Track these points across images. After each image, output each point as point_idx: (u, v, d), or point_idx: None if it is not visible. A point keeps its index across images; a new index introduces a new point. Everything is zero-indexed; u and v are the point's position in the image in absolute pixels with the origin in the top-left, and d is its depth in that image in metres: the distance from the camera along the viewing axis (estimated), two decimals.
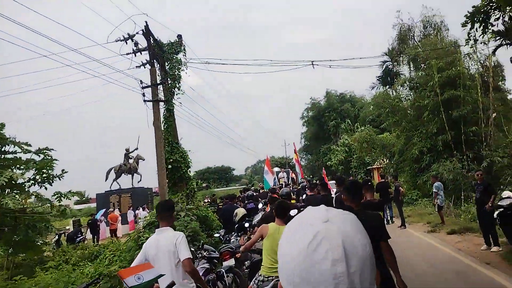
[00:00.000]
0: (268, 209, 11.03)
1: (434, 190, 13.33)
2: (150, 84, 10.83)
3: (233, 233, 9.79)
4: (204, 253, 6.89)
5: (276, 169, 31.43)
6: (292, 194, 14.69)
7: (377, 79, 43.81)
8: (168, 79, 12.20)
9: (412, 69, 27.43)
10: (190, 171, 13.14)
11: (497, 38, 31.55)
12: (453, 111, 18.82)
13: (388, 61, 42.77)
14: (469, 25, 8.35)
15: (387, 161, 23.65)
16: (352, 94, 52.13)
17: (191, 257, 4.03)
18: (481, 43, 22.53)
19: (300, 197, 13.66)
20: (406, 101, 23.58)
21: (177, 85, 12.27)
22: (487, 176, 17.77)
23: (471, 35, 8.39)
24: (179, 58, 12.48)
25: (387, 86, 31.26)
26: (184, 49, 12.73)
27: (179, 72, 12.40)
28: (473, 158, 18.30)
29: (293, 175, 29.29)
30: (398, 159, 21.08)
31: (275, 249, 4.51)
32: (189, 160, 13.17)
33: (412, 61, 26.49)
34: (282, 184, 25.35)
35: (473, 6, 8.18)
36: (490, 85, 19.58)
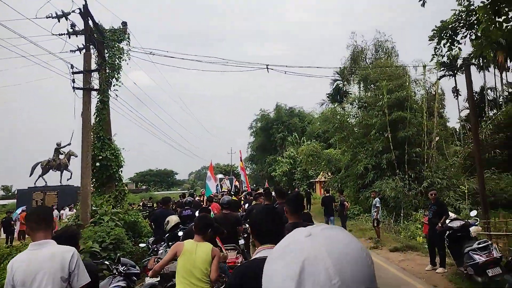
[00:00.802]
0: None
1: (377, 204, 13.12)
2: (83, 69, 9.48)
3: (162, 243, 8.66)
4: (121, 268, 5.75)
5: (219, 175, 30.46)
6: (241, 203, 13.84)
7: (327, 96, 44.88)
8: (106, 67, 10.84)
9: (361, 89, 27.90)
10: (121, 171, 11.78)
11: (441, 69, 33.07)
12: (399, 131, 19.11)
13: (338, 80, 43.97)
14: (435, 40, 8.03)
15: (332, 175, 23.58)
16: (301, 109, 53.11)
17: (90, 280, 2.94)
18: (428, 71, 23.68)
19: (242, 207, 12.85)
20: (354, 118, 23.78)
21: (116, 75, 10.94)
22: (427, 196, 18.30)
23: (437, 50, 8.07)
24: (121, 47, 11.17)
25: (336, 104, 31.75)
26: (128, 38, 11.48)
27: (120, 61, 11.10)
28: (414, 178, 18.59)
29: (237, 183, 28.44)
30: (344, 174, 21.01)
31: (191, 269, 3.99)
32: (121, 159, 11.82)
33: (362, 81, 26.91)
34: (224, 191, 24.40)
35: (442, 21, 7.91)
36: (435, 111, 20.21)
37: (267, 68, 11.09)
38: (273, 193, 10.61)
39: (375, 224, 13.06)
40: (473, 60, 34.41)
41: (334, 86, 44.16)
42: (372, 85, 24.29)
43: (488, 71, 35.99)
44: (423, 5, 7.10)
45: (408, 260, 9.69)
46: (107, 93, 10.82)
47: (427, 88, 22.17)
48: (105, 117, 10.76)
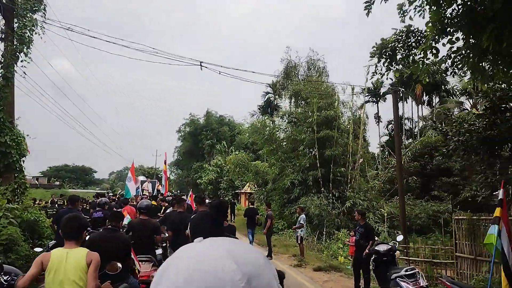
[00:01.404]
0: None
1: (300, 221, 12.82)
2: None
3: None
4: (2, 279, 4.60)
5: (141, 177, 28.59)
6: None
7: (258, 108, 45.11)
8: (14, 39, 9.21)
9: (292, 104, 28.19)
10: (23, 161, 10.09)
11: (366, 94, 34.58)
12: (326, 149, 19.37)
13: (270, 93, 44.45)
14: (375, 58, 7.90)
15: (258, 187, 23.26)
16: (231, 118, 52.86)
17: None
18: (355, 94, 24.61)
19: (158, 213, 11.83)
20: (284, 132, 23.84)
21: (24, 49, 9.33)
22: (349, 215, 18.72)
23: (377, 68, 7.95)
24: (34, 18, 9.61)
25: (267, 116, 31.88)
26: (44, 9, 9.94)
27: (31, 34, 9.52)
28: (338, 197, 18.88)
29: (160, 187, 26.88)
30: (271, 187, 20.77)
31: (63, 283, 3.27)
32: (24, 147, 10.13)
33: (294, 96, 27.18)
34: (145, 195, 22.85)
35: (382, 39, 7.82)
36: (360, 133, 20.92)
37: (201, 65, 10.31)
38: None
39: (299, 241, 12.76)
40: (400, 85, 37.19)
41: (265, 99, 44.56)
42: (303, 102, 24.65)
43: (406, 102, 38.78)
44: (367, 14, 6.88)
45: (332, 281, 9.41)
46: (12, 69, 9.18)
47: (353, 111, 23.02)
48: (8, 96, 9.09)
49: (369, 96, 37.43)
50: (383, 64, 7.92)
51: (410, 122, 39.74)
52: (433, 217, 19.64)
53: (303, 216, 12.92)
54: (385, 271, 7.38)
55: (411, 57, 7.74)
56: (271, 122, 25.17)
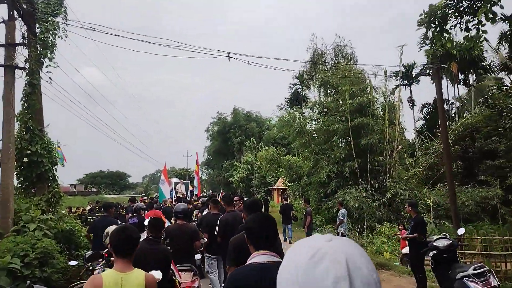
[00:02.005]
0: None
1: (340, 217, 12.13)
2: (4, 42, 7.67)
3: (100, 259, 7.05)
4: None
5: (174, 179, 28.61)
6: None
7: (286, 101, 44.35)
8: (37, 44, 8.99)
9: (321, 93, 27.33)
10: (56, 169, 9.93)
11: (397, 78, 33.18)
12: (362, 138, 18.47)
13: (297, 85, 43.57)
14: (424, 26, 7.10)
15: (292, 182, 22.62)
16: (258, 115, 52.53)
17: None
18: (386, 78, 23.48)
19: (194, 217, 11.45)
20: (315, 124, 23.05)
21: (48, 54, 9.10)
22: (390, 207, 17.81)
23: (429, 36, 7.14)
24: (55, 21, 9.38)
25: (295, 108, 31.14)
26: (66, 12, 9.69)
27: (54, 38, 9.29)
28: (377, 188, 17.98)
29: (191, 188, 26.74)
30: (306, 181, 20.08)
31: None
32: (55, 154, 9.96)
33: (323, 85, 26.32)
34: (179, 196, 22.72)
35: (430, 5, 7.00)
36: (397, 118, 19.87)
37: (228, 56, 9.77)
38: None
39: None
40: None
41: (293, 91, 43.76)
42: (333, 90, 23.78)
43: (441, 82, 36.85)
44: None
45: (384, 282, 8.68)
46: (38, 75, 8.99)
47: (387, 95, 21.93)
48: (35, 103, 8.90)
49: (401, 79, 35.84)
50: (433, 33, 7.09)
51: (447, 104, 37.79)
52: (481, 204, 18.39)
53: (343, 211, 12.24)
54: (446, 269, 6.65)
55: (463, 24, 6.87)
56: (300, 115, 24.44)
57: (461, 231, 7.26)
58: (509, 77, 31.55)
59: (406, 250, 12.01)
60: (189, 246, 6.15)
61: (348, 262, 0.77)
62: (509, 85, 30.49)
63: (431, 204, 15.78)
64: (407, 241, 8.30)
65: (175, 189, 24.38)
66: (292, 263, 0.83)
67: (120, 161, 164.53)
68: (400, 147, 18.90)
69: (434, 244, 6.91)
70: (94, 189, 72.08)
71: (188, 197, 21.93)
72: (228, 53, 9.84)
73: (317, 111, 23.91)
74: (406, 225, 13.34)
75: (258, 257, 2.28)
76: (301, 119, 23.17)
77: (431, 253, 6.96)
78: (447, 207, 17.92)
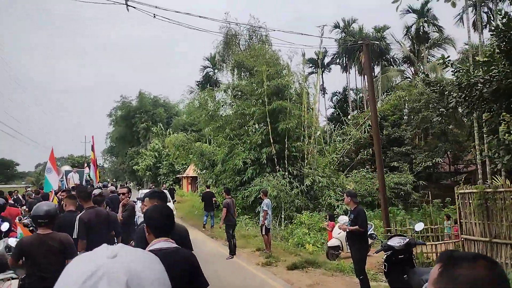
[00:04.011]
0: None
1: (264, 208, 10.62)
2: None
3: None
4: None
5: (65, 167, 24.62)
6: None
7: (196, 84, 42.00)
8: None
9: (235, 76, 25.74)
10: None
11: (310, 66, 33.05)
12: (280, 123, 17.26)
13: (209, 67, 41.44)
14: None
15: (205, 170, 20.67)
16: (166, 100, 49.54)
17: None
18: (303, 62, 22.77)
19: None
20: (230, 107, 21.37)
21: None
22: (308, 195, 16.99)
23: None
24: None
25: (207, 90, 29.20)
26: None
27: None
28: (295, 175, 16.99)
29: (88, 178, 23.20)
30: (220, 169, 18.29)
31: None
32: None
33: (236, 67, 24.70)
34: (72, 186, 19.34)
35: None
36: (315, 102, 19.11)
37: (127, 4, 7.42)
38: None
39: (264, 232, 10.58)
40: (344, 54, 35.90)
41: (204, 74, 41.58)
42: (247, 73, 22.35)
43: (349, 73, 37.97)
44: None
45: (319, 286, 7.31)
46: None
47: (305, 78, 21.13)
48: None
49: (313, 67, 35.94)
50: None
51: (355, 93, 39.12)
52: (395, 190, 18.59)
53: (267, 201, 10.73)
54: (402, 273, 5.44)
55: None
56: (213, 98, 22.52)
57: (419, 226, 6.11)
58: (410, 69, 33.45)
59: (332, 242, 11.03)
60: (57, 268, 3.94)
61: (130, 282, 0.72)
62: (411, 77, 32.35)
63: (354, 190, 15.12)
64: (346, 235, 7.02)
65: (66, 178, 20.80)
66: (63, 284, 0.73)
67: (7, 148, 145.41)
68: (318, 132, 18.13)
69: (388, 243, 5.64)
70: None
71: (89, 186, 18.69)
72: (126, 0, 7.46)
73: (231, 94, 22.22)
74: (328, 217, 12.46)
75: (157, 244, 2.41)
76: (214, 102, 21.33)
77: (382, 254, 5.70)
78: (363, 193, 17.73)
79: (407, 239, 5.62)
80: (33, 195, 15.51)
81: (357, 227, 6.22)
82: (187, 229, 3.52)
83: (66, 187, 18.40)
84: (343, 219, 11.15)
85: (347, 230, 6.48)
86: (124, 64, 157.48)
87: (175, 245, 2.46)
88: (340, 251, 10.99)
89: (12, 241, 5.09)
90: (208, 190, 17.04)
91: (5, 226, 6.08)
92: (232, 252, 10.18)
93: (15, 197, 17.61)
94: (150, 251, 2.21)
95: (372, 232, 8.66)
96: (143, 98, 47.28)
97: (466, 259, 0.94)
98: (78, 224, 5.01)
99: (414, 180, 18.89)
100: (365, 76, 36.42)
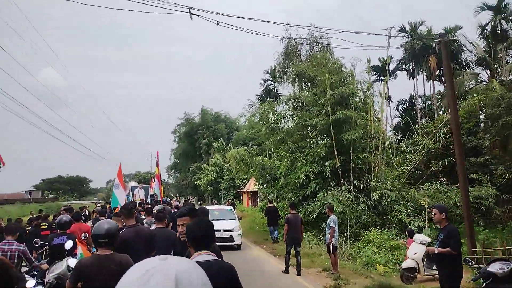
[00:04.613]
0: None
1: (331, 224, 9.82)
2: None
3: None
4: None
5: (132, 183, 25.62)
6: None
7: (257, 98, 42.12)
8: None
9: (296, 88, 25.27)
10: None
11: (374, 73, 31.54)
12: (345, 133, 16.37)
13: (269, 80, 41.46)
14: None
15: (266, 185, 20.22)
16: (227, 115, 50.43)
17: None
18: (365, 70, 21.74)
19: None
20: (291, 119, 20.87)
21: None
22: (375, 210, 15.81)
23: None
24: None
25: (268, 102, 29.04)
26: None
27: None
28: (361, 189, 15.91)
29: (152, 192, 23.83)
30: (282, 183, 17.71)
31: None
32: None
33: (297, 78, 24.24)
34: (139, 202, 19.89)
35: None
36: (382, 111, 17.95)
37: (190, 12, 7.28)
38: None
39: (330, 251, 9.77)
40: (411, 59, 33.87)
41: (264, 87, 41.62)
42: (308, 83, 21.80)
43: (417, 78, 35.76)
44: None
45: None
46: None
47: (370, 84, 20.08)
48: None
49: (376, 75, 34.37)
50: None
51: (423, 100, 36.68)
52: (474, 205, 16.68)
53: (333, 217, 9.95)
54: None
55: None
56: (273, 110, 22.19)
57: None
58: (486, 72, 30.65)
59: (407, 263, 9.92)
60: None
61: (178, 277, 0.82)
62: (486, 80, 29.59)
63: (426, 206, 13.76)
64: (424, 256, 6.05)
65: (132, 194, 21.48)
66: (123, 284, 0.84)
67: (81, 166, 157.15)
68: (386, 143, 16.91)
69: (488, 269, 4.67)
70: (51, 196, 67.21)
71: (148, 203, 19.13)
72: (190, 8, 7.30)
73: (292, 105, 21.75)
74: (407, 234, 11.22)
75: (197, 257, 2.43)
76: (275, 115, 20.98)
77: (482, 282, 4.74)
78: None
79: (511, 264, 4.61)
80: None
81: (448, 249, 5.25)
82: (232, 267, 2.67)
83: (132, 201, 18.93)
84: (420, 237, 10.05)
85: (435, 252, 5.53)
86: (186, 80, 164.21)
87: (215, 257, 2.49)
88: (416, 274, 9.85)
89: (73, 262, 4.90)
90: (271, 204, 17.13)
91: (69, 244, 5.99)
92: (288, 270, 9.74)
93: (86, 212, 18.36)
94: None
95: (467, 256, 7.50)
96: (205, 114, 48.50)
97: None
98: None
99: (496, 194, 16.86)
100: (434, 82, 34.15)
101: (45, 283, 5.01)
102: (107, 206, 17.82)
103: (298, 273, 9.83)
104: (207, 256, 2.46)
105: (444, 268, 5.45)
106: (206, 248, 2.53)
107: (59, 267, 5.10)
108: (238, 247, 14.37)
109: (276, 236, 16.10)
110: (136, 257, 4.64)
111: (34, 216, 14.10)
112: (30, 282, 4.85)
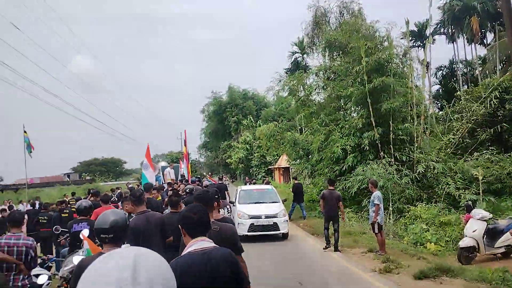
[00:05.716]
0: None
1: (375, 201, 8.86)
2: None
3: None
4: None
5: (162, 163, 25.41)
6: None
7: (285, 72, 40.71)
8: None
9: (327, 58, 23.84)
10: None
11: (410, 39, 29.40)
12: (383, 102, 15.14)
13: (297, 53, 39.87)
14: None
15: (299, 160, 19.34)
16: (255, 92, 49.41)
17: None
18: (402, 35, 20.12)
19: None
20: (324, 90, 19.69)
21: None
22: (419, 184, 14.66)
23: None
24: None
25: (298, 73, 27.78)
26: None
27: None
28: (403, 161, 14.73)
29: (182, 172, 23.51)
30: (316, 158, 16.76)
31: None
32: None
33: (327, 48, 22.77)
34: (168, 182, 19.54)
35: None
36: (423, 77, 16.45)
37: None
38: None
39: (376, 230, 8.86)
40: (451, 22, 31.27)
41: (292, 60, 40.12)
42: (340, 52, 20.42)
43: (456, 43, 33.25)
44: None
45: None
46: None
47: (408, 48, 18.56)
48: None
49: (413, 40, 32.14)
50: None
51: (464, 65, 34.16)
52: None
53: (378, 193, 8.97)
54: None
55: None
56: (304, 82, 21.02)
57: None
58: None
59: (466, 242, 8.88)
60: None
61: (136, 256, 0.86)
62: None
63: (480, 177, 12.46)
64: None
65: (163, 174, 21.19)
66: (89, 268, 0.88)
67: (116, 147, 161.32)
68: (430, 110, 15.54)
69: None
70: (88, 178, 69.19)
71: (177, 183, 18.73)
72: None
73: (323, 76, 20.52)
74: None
75: (195, 245, 2.36)
76: (305, 87, 19.85)
77: None
78: (489, 180, 14.73)
79: None
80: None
81: None
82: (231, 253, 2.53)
83: (163, 182, 18.62)
84: (480, 213, 8.98)
85: None
86: (212, 60, 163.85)
87: (213, 244, 2.44)
88: (475, 253, 8.83)
89: (77, 259, 4.24)
90: (297, 181, 16.88)
91: (85, 232, 5.39)
92: (329, 244, 9.48)
93: (117, 193, 18.12)
94: (190, 252, 2.34)
95: None
96: (233, 92, 47.79)
97: None
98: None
99: None
100: (476, 46, 31.56)
101: (59, 277, 4.44)
102: (136, 186, 17.52)
103: (336, 249, 9.29)
104: (204, 243, 2.39)
105: None
106: (203, 234, 2.46)
107: (72, 261, 4.49)
108: (285, 236, 11.73)
109: (304, 215, 16.00)
110: (148, 245, 3.86)
111: (59, 200, 13.08)
112: (42, 278, 4.28)
